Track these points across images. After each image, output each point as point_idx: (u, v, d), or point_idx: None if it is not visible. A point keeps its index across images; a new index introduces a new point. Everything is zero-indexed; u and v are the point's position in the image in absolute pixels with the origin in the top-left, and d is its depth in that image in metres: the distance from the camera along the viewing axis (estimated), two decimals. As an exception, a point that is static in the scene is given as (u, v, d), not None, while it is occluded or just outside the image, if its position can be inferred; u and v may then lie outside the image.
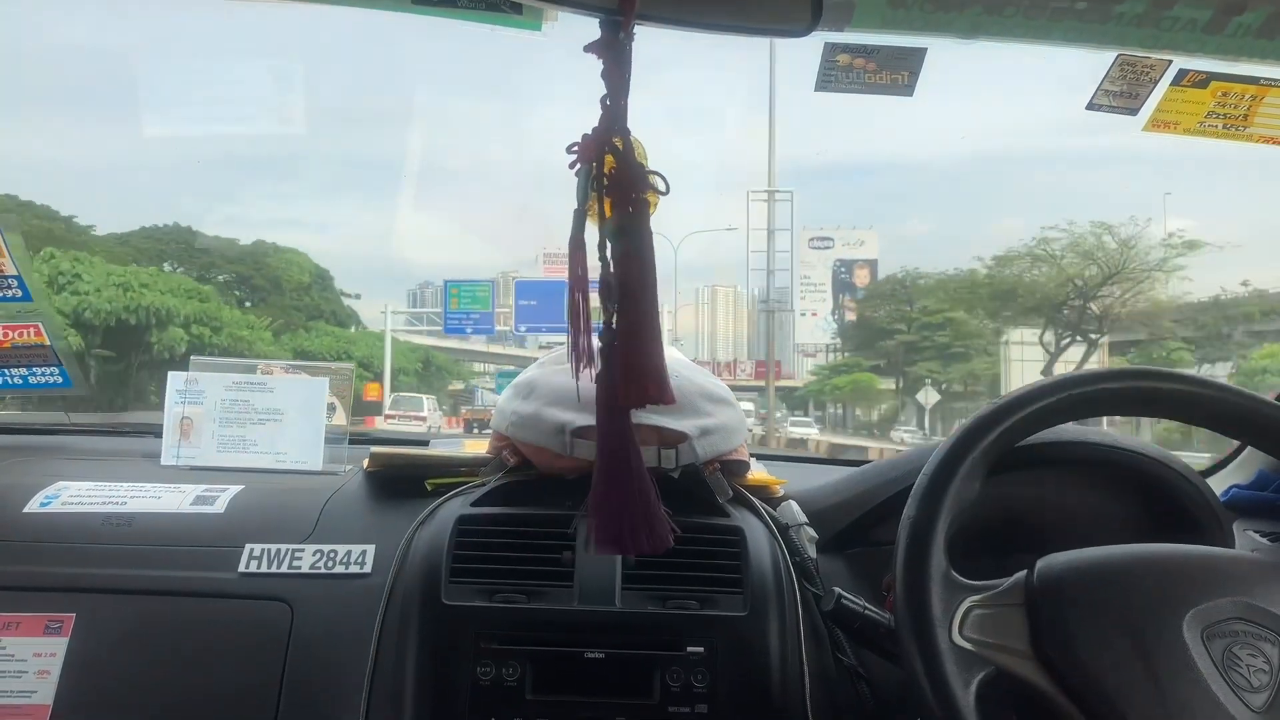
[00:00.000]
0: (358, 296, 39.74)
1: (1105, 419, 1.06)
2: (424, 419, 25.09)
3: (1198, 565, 0.92)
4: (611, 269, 0.89)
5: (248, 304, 34.47)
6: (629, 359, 0.89)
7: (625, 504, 0.94)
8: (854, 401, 43.51)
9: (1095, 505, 1.21)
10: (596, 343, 0.91)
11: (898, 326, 41.67)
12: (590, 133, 0.88)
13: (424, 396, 29.07)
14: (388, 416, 23.67)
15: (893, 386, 42.00)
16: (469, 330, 29.40)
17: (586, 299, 0.91)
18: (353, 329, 37.27)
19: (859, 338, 45.45)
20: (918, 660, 0.87)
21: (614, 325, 0.89)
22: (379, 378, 29.65)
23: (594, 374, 0.92)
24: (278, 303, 35.02)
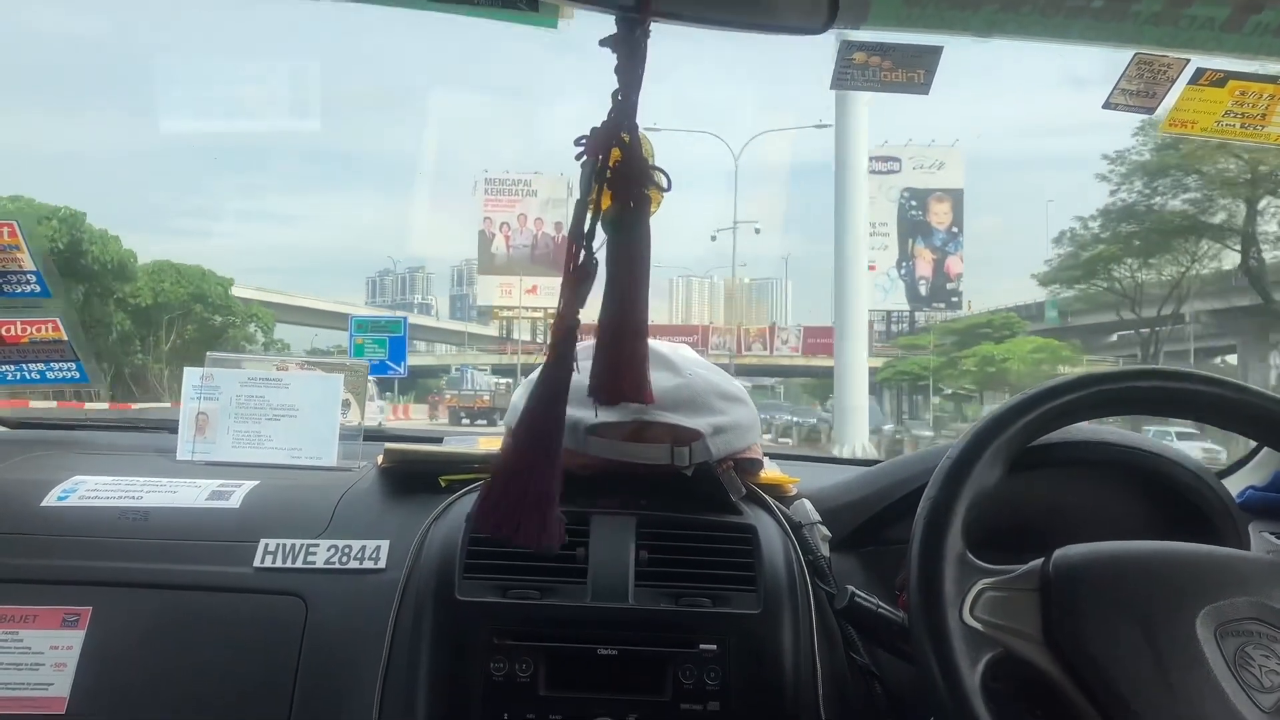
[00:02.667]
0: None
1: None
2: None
3: (1215, 564, 0.92)
4: (603, 260, 0.89)
5: None
6: (607, 353, 0.89)
7: (527, 494, 0.93)
8: (1003, 389, 26.34)
9: (1110, 506, 1.21)
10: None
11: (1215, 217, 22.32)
12: (599, 126, 0.88)
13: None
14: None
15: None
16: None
17: (576, 291, 0.91)
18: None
19: (1069, 270, 28.28)
20: (926, 637, 0.87)
21: (597, 317, 0.89)
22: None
23: (576, 366, 0.92)
24: None
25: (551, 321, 0.92)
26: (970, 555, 0.92)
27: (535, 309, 56.64)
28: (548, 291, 53.70)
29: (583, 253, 0.89)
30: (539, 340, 55.50)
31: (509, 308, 56.79)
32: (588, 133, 0.89)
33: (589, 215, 0.90)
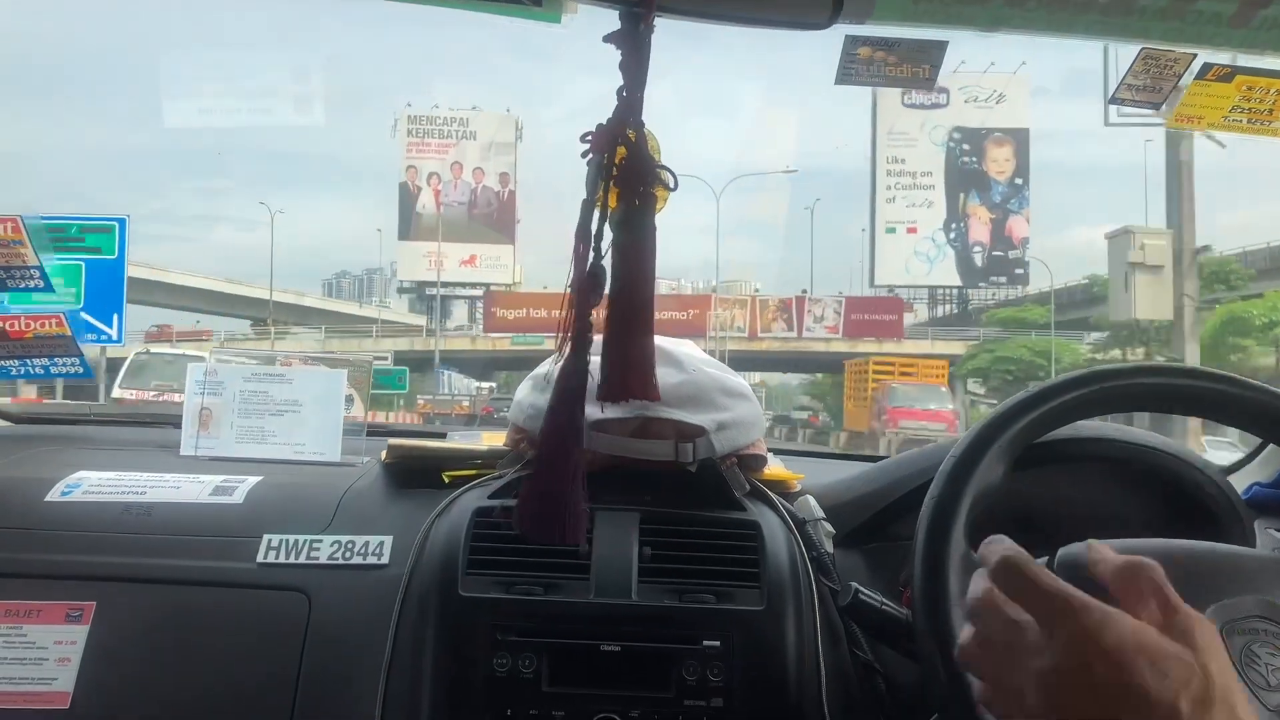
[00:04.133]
0: None
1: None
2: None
3: (1221, 561, 0.91)
4: (610, 259, 0.89)
5: None
6: (616, 351, 0.89)
7: (559, 494, 0.94)
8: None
9: (1115, 503, 1.21)
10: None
11: None
12: (605, 123, 0.88)
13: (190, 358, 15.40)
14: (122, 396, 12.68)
15: None
16: None
17: (587, 290, 0.91)
18: None
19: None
20: (930, 636, 0.87)
21: (603, 317, 0.89)
22: None
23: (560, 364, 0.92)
24: None
25: (563, 323, 0.92)
26: (974, 554, 0.91)
27: (475, 285, 43.67)
28: (491, 263, 42.50)
29: (592, 253, 0.89)
30: (473, 326, 43.20)
31: (440, 284, 42.50)
32: (593, 130, 0.89)
33: (596, 214, 0.90)
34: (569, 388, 0.92)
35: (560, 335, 0.92)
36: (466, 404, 30.96)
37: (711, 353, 1.43)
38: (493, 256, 43.92)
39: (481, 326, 41.90)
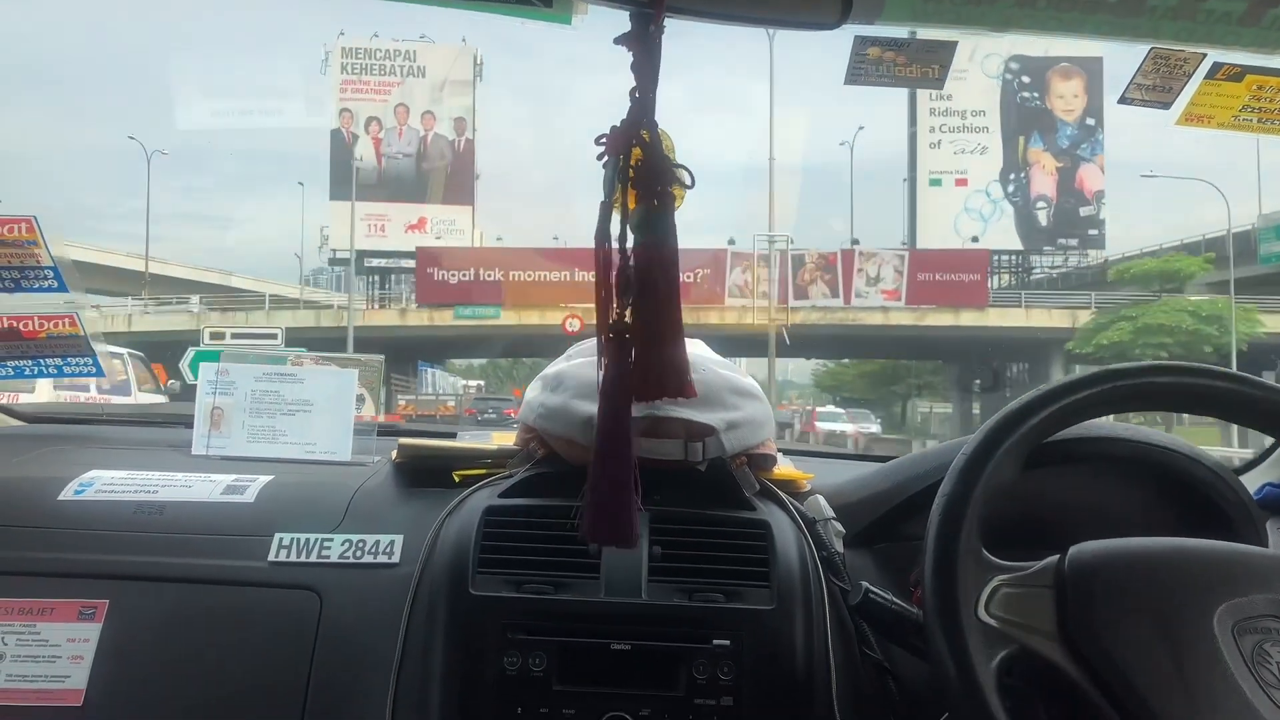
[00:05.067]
0: None
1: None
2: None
3: (1233, 560, 0.91)
4: (632, 261, 0.89)
5: None
6: (647, 352, 0.89)
7: (621, 499, 0.95)
8: None
9: (1126, 502, 1.21)
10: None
11: None
12: (618, 125, 0.89)
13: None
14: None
15: None
16: None
17: (611, 291, 0.91)
18: None
19: None
20: (941, 634, 0.87)
21: (630, 318, 0.89)
22: None
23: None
24: None
25: (597, 326, 0.92)
26: (985, 552, 0.92)
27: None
28: (445, 227, 34.27)
29: (616, 256, 0.90)
30: (406, 300, 34.85)
31: (380, 254, 34.34)
32: (607, 132, 0.89)
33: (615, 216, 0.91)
34: (615, 392, 0.92)
35: (600, 341, 0.93)
36: (451, 404, 29.59)
37: (734, 337, 1.43)
38: (446, 219, 35.57)
39: (414, 294, 33.83)
